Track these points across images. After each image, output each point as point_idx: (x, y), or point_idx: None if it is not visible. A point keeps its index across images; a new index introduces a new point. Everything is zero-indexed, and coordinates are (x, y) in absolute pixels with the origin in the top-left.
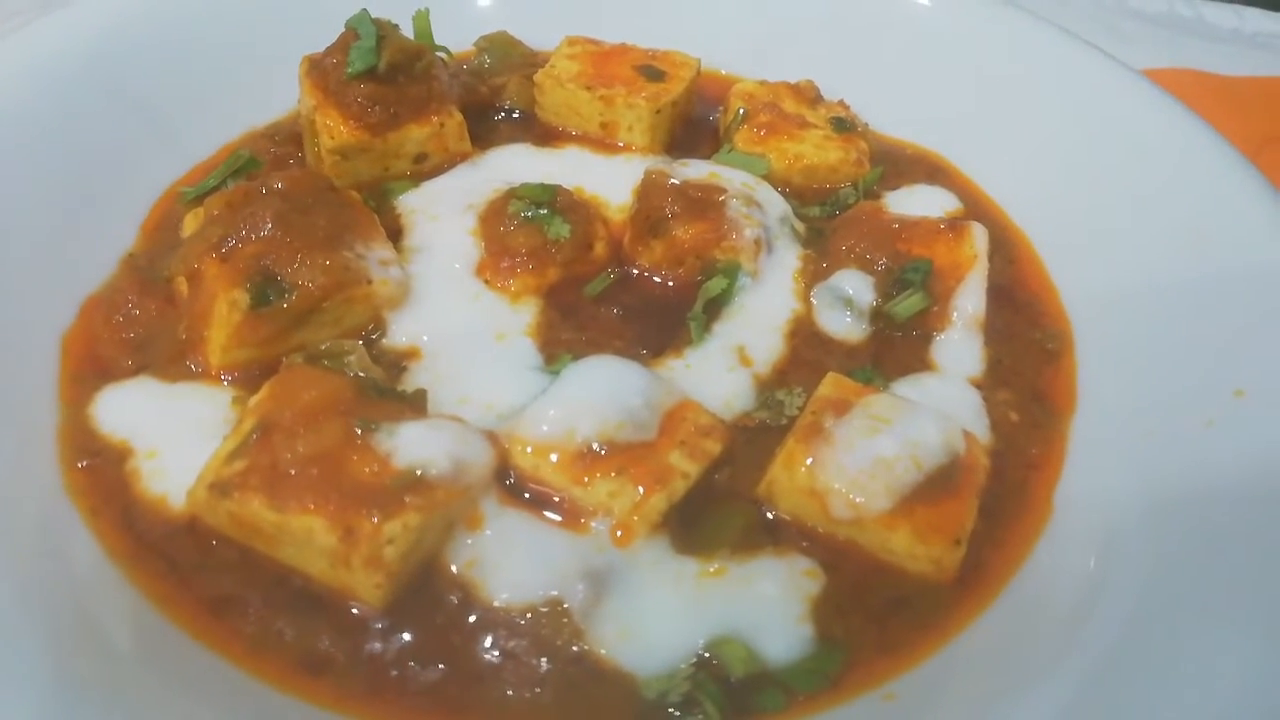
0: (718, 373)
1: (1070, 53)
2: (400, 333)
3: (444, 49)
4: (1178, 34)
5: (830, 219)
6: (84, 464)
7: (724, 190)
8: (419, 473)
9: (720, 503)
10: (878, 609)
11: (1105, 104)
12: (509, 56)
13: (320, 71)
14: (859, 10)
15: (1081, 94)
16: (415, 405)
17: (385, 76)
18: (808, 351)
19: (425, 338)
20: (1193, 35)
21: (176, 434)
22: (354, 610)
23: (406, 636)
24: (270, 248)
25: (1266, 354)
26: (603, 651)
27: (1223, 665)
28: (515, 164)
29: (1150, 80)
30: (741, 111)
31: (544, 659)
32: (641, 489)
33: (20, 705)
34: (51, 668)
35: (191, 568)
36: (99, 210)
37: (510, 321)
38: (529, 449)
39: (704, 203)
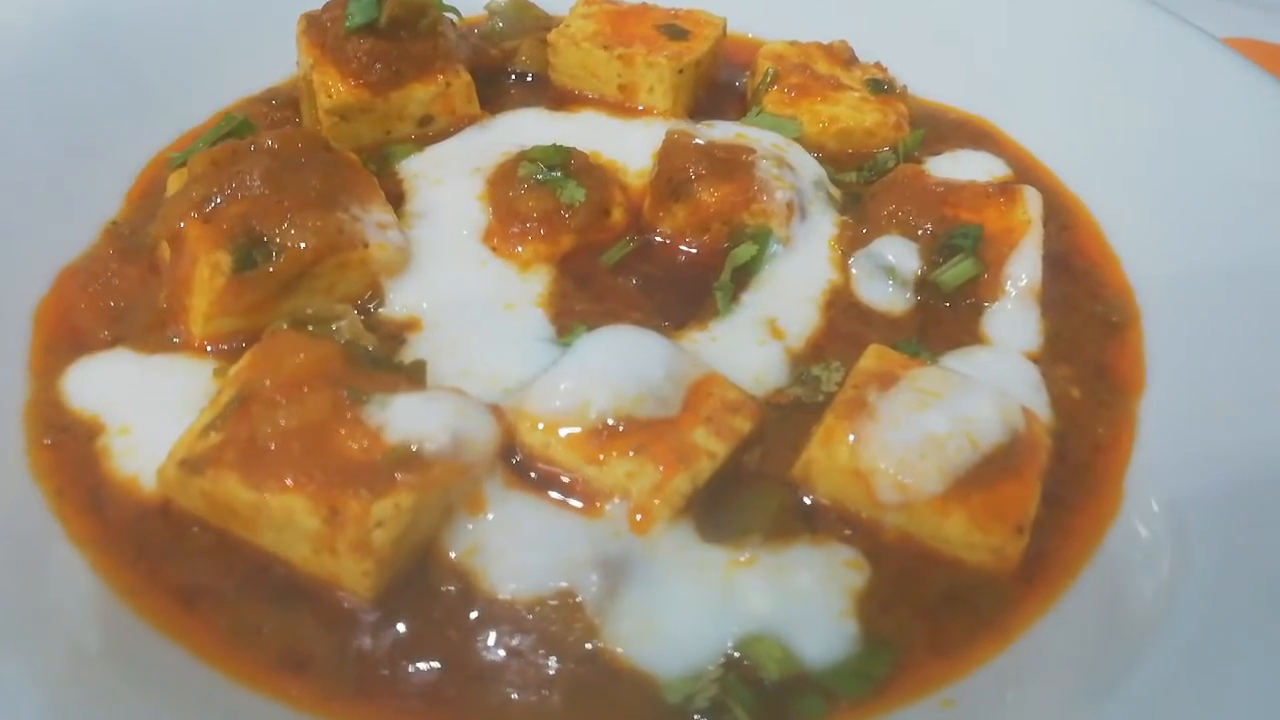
0: (747, 346)
1: (1126, 8)
2: (399, 302)
3: (454, 9)
4: (1238, 5)
5: (868, 184)
6: (50, 441)
7: (752, 150)
8: (414, 448)
9: (751, 486)
10: (930, 604)
11: (1168, 63)
12: (522, 20)
13: (318, 28)
14: None
15: (1141, 52)
16: (412, 377)
17: (387, 32)
18: (846, 324)
19: (426, 306)
20: (1253, 7)
21: (152, 409)
22: (340, 602)
23: (399, 631)
24: (257, 206)
25: None
26: (619, 650)
27: None
28: (527, 128)
29: (1212, 36)
30: (771, 72)
31: (553, 658)
32: (662, 469)
33: None
34: (9, 663)
35: (163, 554)
36: (83, 178)
37: (520, 291)
38: (538, 425)
39: (731, 163)
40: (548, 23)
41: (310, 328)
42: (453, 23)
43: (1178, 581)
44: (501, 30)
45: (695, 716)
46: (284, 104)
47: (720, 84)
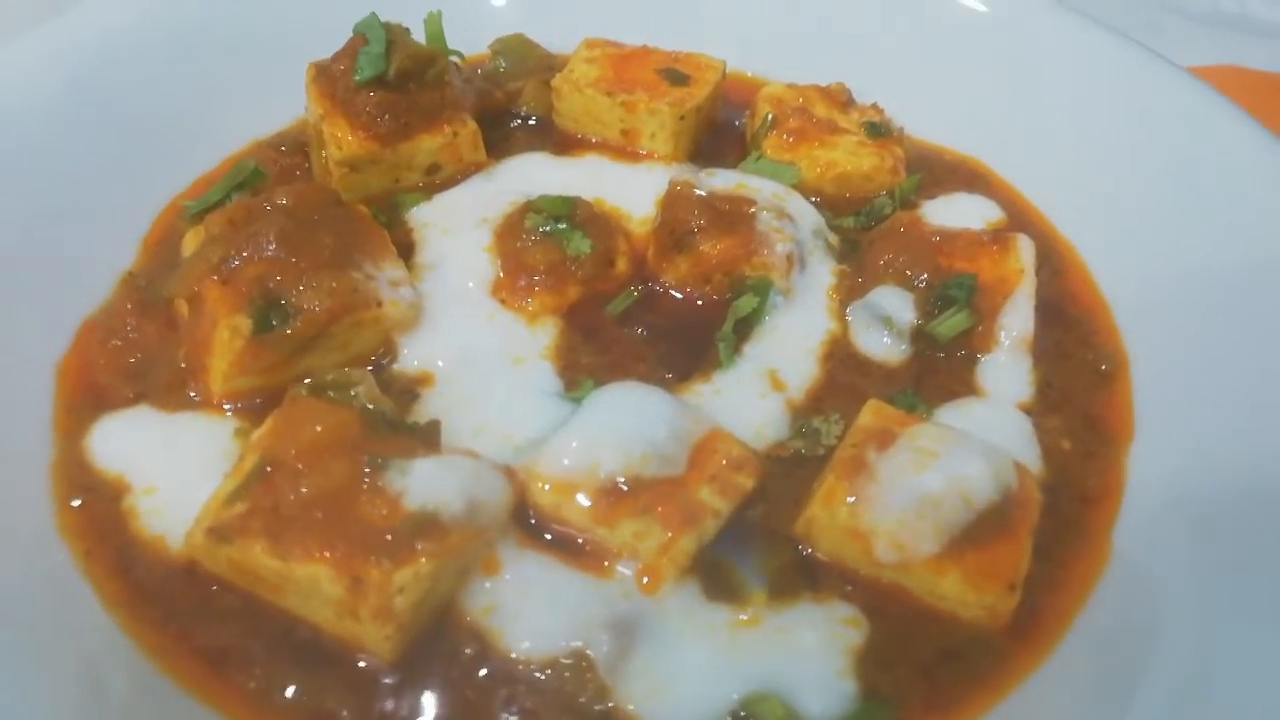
0: (749, 399)
1: (1118, 52)
2: (412, 357)
3: (457, 53)
4: (1224, 30)
5: (865, 230)
6: (77, 502)
7: (753, 202)
8: (432, 514)
9: (754, 542)
10: (926, 661)
11: (1157, 107)
12: (525, 60)
13: (327, 78)
14: (892, 8)
15: (1131, 97)
16: (428, 439)
17: (395, 84)
18: (844, 375)
19: (439, 362)
20: (1240, 32)
21: (176, 469)
22: (362, 663)
23: (419, 692)
24: (274, 268)
25: None
26: (630, 708)
27: None
28: (532, 174)
29: (1207, 82)
30: (770, 117)
31: (567, 717)
32: (669, 530)
33: None
34: None
35: (190, 616)
36: (98, 227)
37: (528, 344)
38: (549, 486)
39: (732, 216)
40: (550, 62)
41: (330, 393)
42: (457, 66)
43: (1165, 634)
44: (505, 71)
45: None
46: (293, 149)
47: (721, 124)
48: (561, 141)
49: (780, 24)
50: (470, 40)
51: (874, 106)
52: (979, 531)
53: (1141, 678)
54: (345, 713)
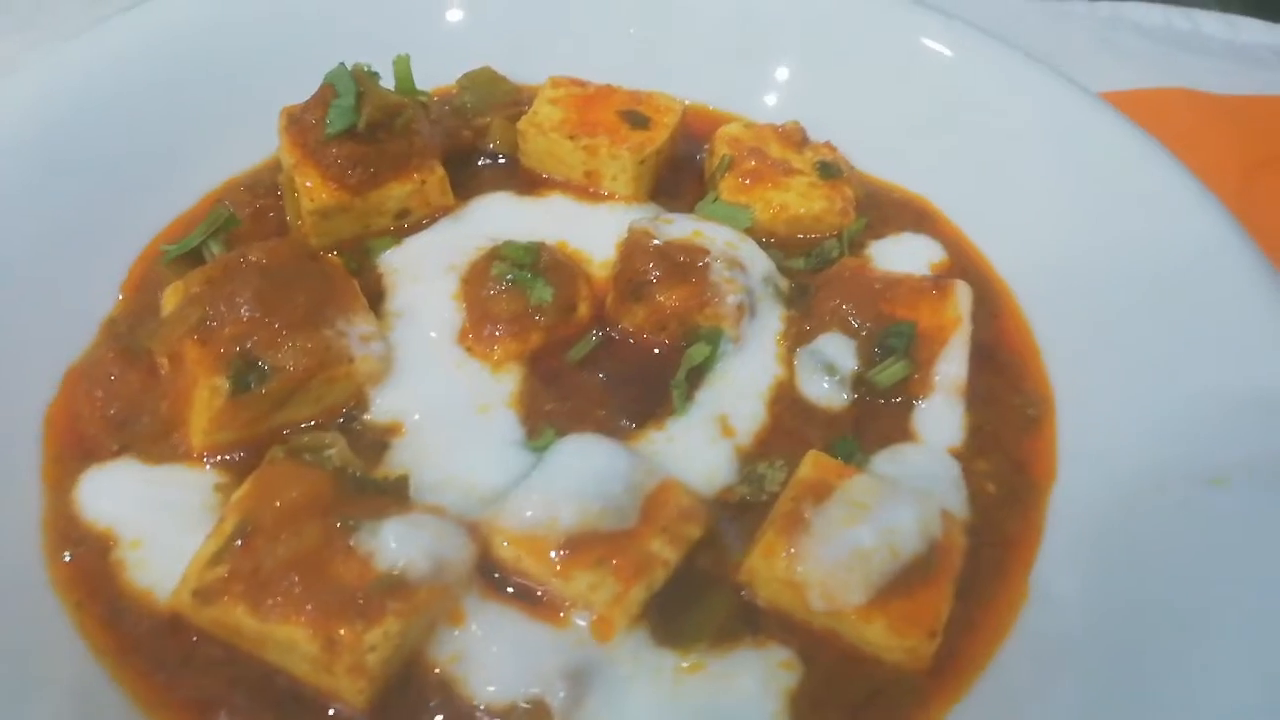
0: (700, 445)
1: (1053, 93)
2: (382, 408)
3: (424, 94)
4: (1174, 49)
5: (814, 273)
6: (68, 556)
7: (707, 252)
8: (400, 574)
9: (700, 589)
10: (853, 702)
11: (1088, 150)
12: (492, 95)
13: (299, 128)
14: (849, 47)
15: (1064, 139)
16: (397, 494)
17: (365, 134)
18: (790, 420)
19: (409, 413)
20: (1189, 51)
21: (160, 522)
22: (334, 711)
23: None
24: (250, 329)
25: (1249, 442)
26: None
27: None
28: (497, 216)
29: (1133, 123)
30: (727, 159)
31: None
32: (621, 582)
33: None
34: None
35: (176, 666)
36: (79, 271)
37: (493, 392)
38: (508, 542)
39: (687, 267)
40: (516, 96)
41: (306, 455)
42: (425, 108)
43: (1075, 672)
44: (471, 107)
45: None
46: (266, 192)
47: (680, 159)
48: (527, 180)
49: (738, 61)
50: (437, 70)
51: (827, 145)
52: (904, 581)
53: (1055, 712)
54: None
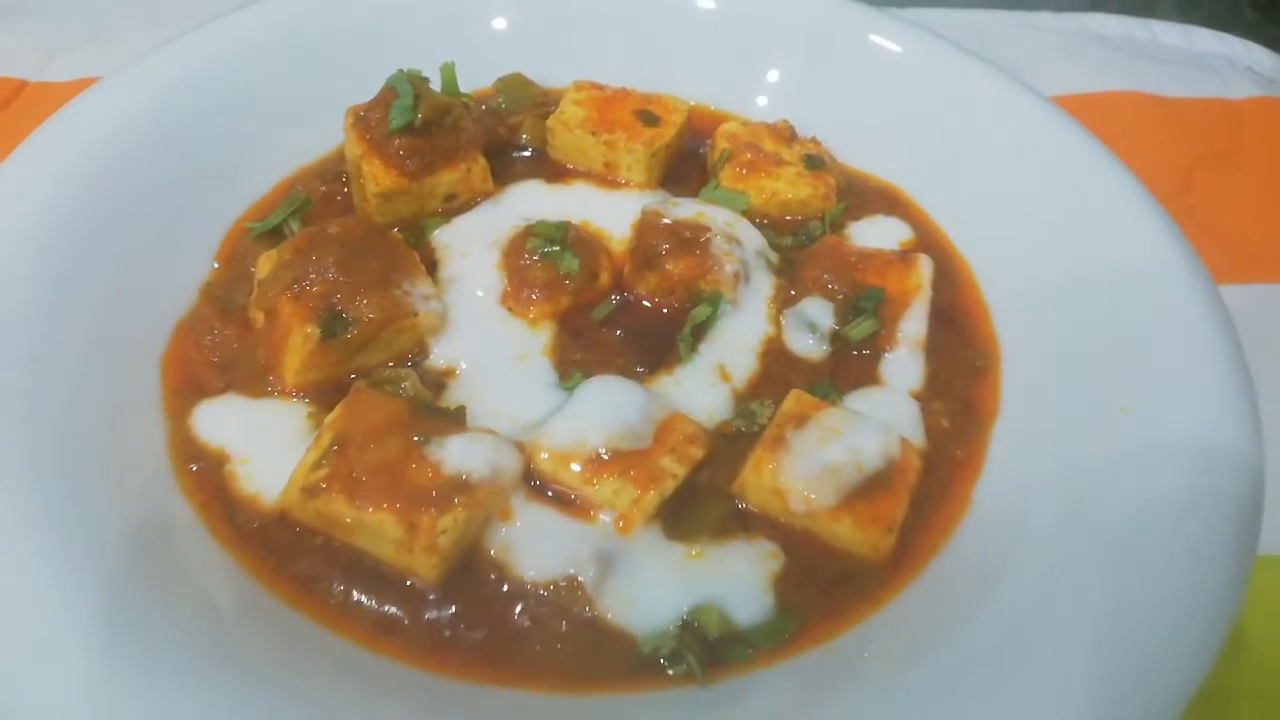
0: (702, 388)
1: (997, 91)
2: (440, 355)
3: (466, 96)
4: (1133, 57)
5: (800, 249)
6: (195, 468)
7: (709, 229)
8: (464, 477)
9: (702, 497)
10: (825, 583)
11: (1029, 142)
12: (523, 97)
13: (365, 125)
14: (832, 56)
15: (1008, 131)
16: (457, 420)
17: (420, 130)
18: (777, 369)
19: (461, 361)
20: (1146, 58)
21: (263, 443)
22: (415, 585)
23: (456, 605)
24: (334, 288)
25: (1147, 379)
26: (609, 616)
27: (1098, 644)
28: (531, 200)
29: (1068, 115)
30: (726, 151)
31: (563, 622)
32: (639, 488)
33: (149, 664)
34: (174, 637)
35: (284, 552)
36: (179, 246)
37: (530, 344)
38: (548, 456)
39: (691, 241)
40: (544, 97)
41: (385, 387)
42: (467, 108)
43: (1009, 565)
44: (505, 107)
45: (661, 661)
46: (332, 178)
47: (686, 152)
48: (554, 171)
49: (736, 66)
50: (475, 73)
51: (813, 139)
52: (868, 489)
53: (985, 598)
54: (403, 619)
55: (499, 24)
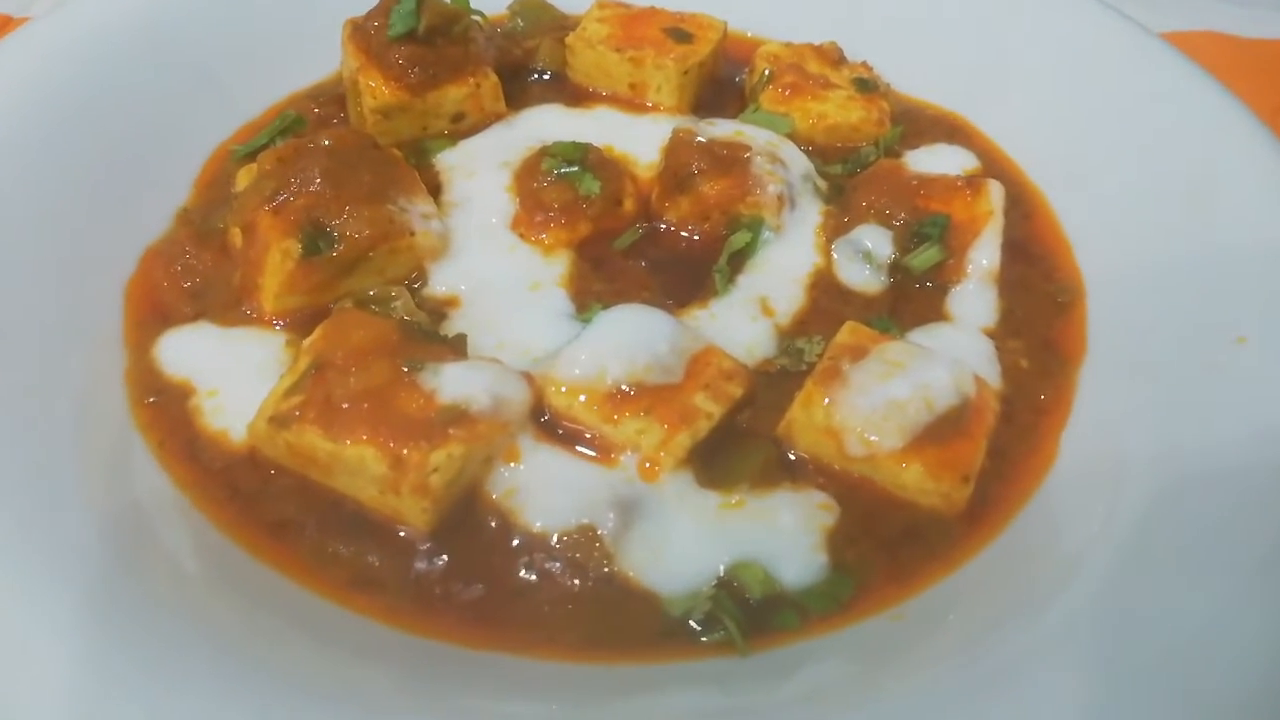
0: (741, 322)
1: (1087, 14)
2: (440, 282)
3: (479, 13)
4: None
5: (851, 176)
6: (151, 400)
7: (748, 148)
8: (461, 408)
9: (742, 442)
10: (889, 539)
11: (1120, 65)
12: (541, 20)
13: (363, 34)
14: None
15: (1097, 55)
16: (456, 348)
17: (424, 39)
18: (827, 302)
19: (464, 287)
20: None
21: (234, 374)
22: (402, 533)
23: (450, 557)
24: (320, 200)
25: (1265, 304)
26: (631, 573)
27: (1197, 607)
28: (548, 123)
29: (1166, 42)
30: (767, 73)
31: (577, 579)
32: (667, 427)
33: (92, 622)
34: (124, 588)
35: (252, 495)
36: (154, 168)
37: (544, 273)
38: (563, 389)
39: (729, 160)
40: (564, 21)
41: (373, 306)
42: (479, 24)
43: (1099, 530)
44: (522, 29)
45: (693, 626)
46: (329, 101)
47: (721, 80)
48: (574, 94)
49: None
50: (491, 2)
51: (863, 64)
52: (939, 431)
53: (1078, 562)
54: (386, 572)
55: None
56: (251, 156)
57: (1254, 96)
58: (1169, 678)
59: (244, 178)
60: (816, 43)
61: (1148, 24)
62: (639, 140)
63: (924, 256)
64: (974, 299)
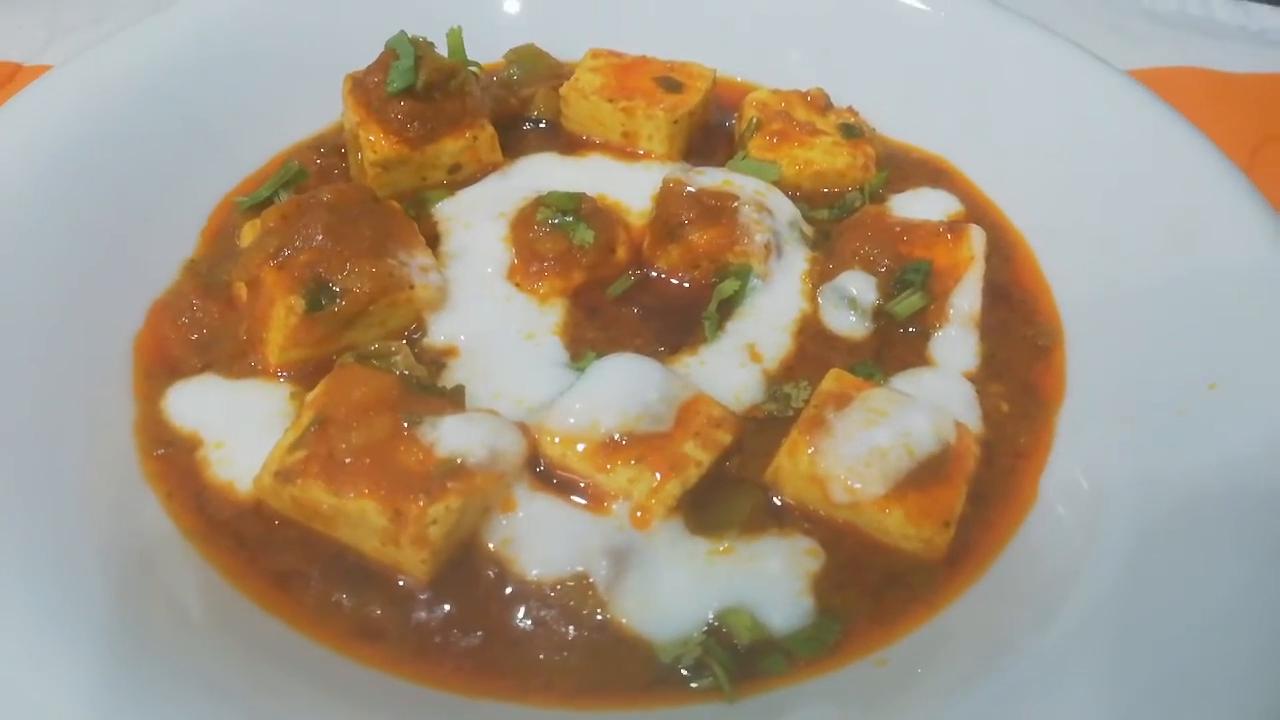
0: (729, 368)
1: (1064, 59)
2: (439, 332)
3: (475, 64)
4: (1187, 33)
5: (837, 221)
6: (160, 453)
7: (736, 197)
8: (459, 461)
9: (730, 488)
10: (873, 584)
11: (1097, 109)
12: (536, 68)
13: (362, 89)
14: (869, 19)
15: (1075, 100)
16: (454, 400)
17: (422, 94)
18: (813, 348)
19: (462, 337)
20: (1202, 34)
21: (240, 426)
22: (401, 583)
23: (449, 606)
24: (322, 256)
25: (1238, 349)
26: (624, 620)
27: (1183, 655)
28: (543, 172)
29: (1140, 84)
30: (755, 120)
31: (571, 626)
32: (658, 475)
33: (98, 670)
34: (130, 637)
35: (258, 545)
36: (160, 220)
37: (539, 321)
38: (557, 439)
39: (718, 209)
40: (558, 70)
41: (373, 361)
42: (475, 75)
43: (1076, 572)
44: (517, 79)
45: (683, 672)
46: (330, 151)
47: (711, 125)
48: (568, 143)
49: (765, 34)
50: (486, 48)
51: (849, 109)
52: (920, 478)
53: (1057, 605)
54: (387, 621)
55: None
56: (256, 209)
57: (1236, 132)
58: (1155, 714)
59: (249, 232)
60: (804, 89)
61: (1131, 60)
62: (631, 188)
63: (907, 303)
64: (956, 343)
